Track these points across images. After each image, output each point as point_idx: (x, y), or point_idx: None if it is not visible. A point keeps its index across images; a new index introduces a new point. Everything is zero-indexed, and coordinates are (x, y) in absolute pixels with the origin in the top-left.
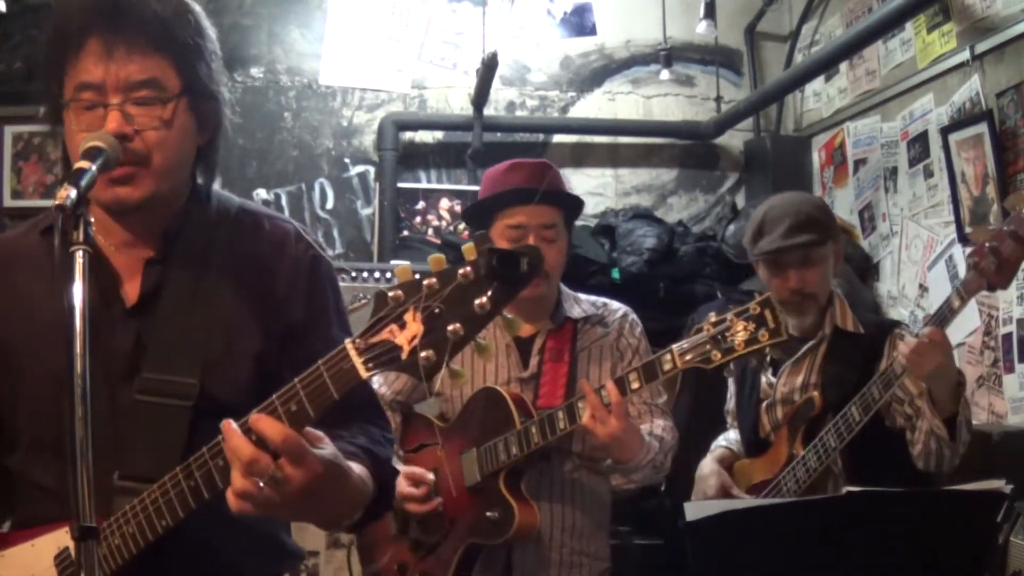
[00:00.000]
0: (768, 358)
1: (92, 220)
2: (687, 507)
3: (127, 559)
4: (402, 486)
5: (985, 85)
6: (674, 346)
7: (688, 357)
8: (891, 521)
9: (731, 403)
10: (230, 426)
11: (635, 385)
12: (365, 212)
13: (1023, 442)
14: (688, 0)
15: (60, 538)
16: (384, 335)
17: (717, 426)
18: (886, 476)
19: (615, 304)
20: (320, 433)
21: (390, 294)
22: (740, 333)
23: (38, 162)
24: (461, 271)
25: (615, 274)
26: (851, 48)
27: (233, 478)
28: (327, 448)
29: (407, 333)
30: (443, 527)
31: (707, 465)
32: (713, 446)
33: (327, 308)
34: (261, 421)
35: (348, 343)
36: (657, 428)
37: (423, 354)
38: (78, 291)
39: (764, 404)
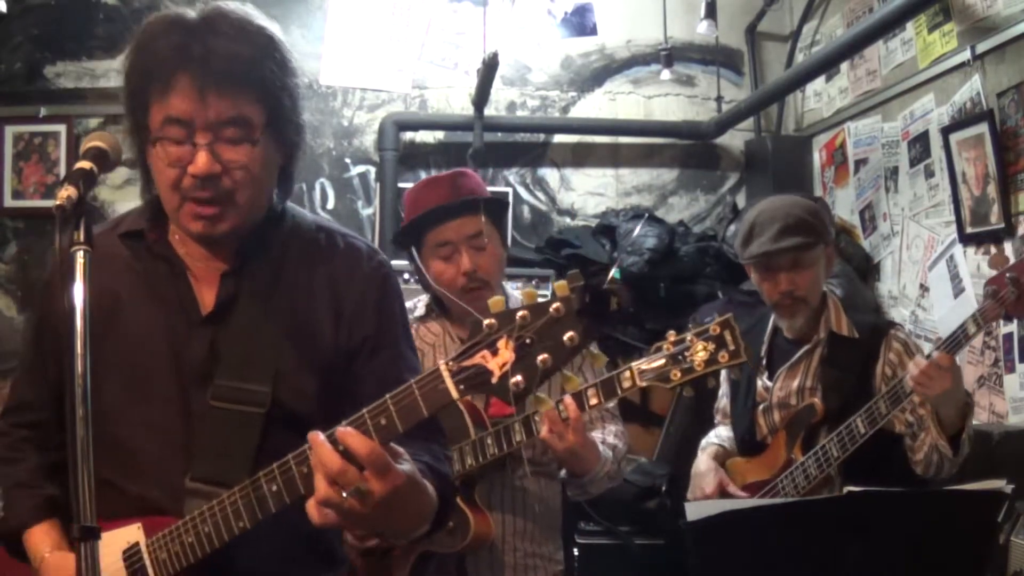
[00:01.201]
0: (764, 361)
1: (173, 231)
2: (687, 507)
3: (199, 557)
4: None
5: (986, 85)
6: (633, 363)
7: (647, 375)
8: (891, 521)
9: (723, 402)
10: (318, 437)
11: (593, 401)
12: (366, 212)
13: (1023, 442)
14: (689, 0)
15: (128, 534)
16: (477, 359)
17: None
18: (882, 482)
19: None
20: (401, 449)
21: (485, 322)
22: (700, 353)
23: (39, 162)
24: (553, 307)
25: (616, 274)
26: (852, 48)
27: (318, 488)
28: (407, 464)
29: (499, 360)
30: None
31: (703, 462)
32: (704, 443)
33: (396, 325)
34: (349, 435)
35: (442, 364)
36: (610, 436)
37: (513, 379)
38: (78, 291)
39: (760, 407)
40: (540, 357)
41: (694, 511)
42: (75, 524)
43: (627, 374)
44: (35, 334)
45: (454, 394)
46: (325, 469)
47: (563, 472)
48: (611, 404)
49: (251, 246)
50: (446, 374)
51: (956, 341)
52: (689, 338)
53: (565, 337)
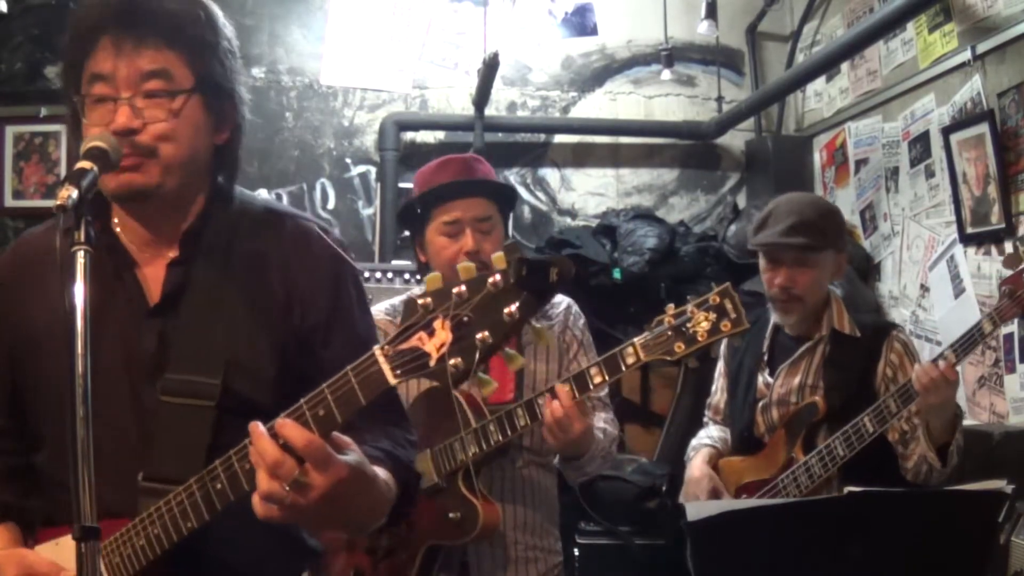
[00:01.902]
0: (765, 357)
1: (116, 220)
2: (687, 507)
3: (151, 560)
4: None
5: (986, 85)
6: (636, 339)
7: (651, 349)
8: (891, 521)
9: (716, 398)
10: (257, 428)
11: (597, 379)
12: (366, 212)
13: (1023, 442)
14: (689, 0)
15: None
16: (413, 342)
17: None
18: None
19: (558, 298)
20: (348, 439)
21: (420, 301)
22: (702, 324)
23: (39, 162)
24: (491, 280)
25: (616, 274)
26: (852, 48)
27: (259, 480)
28: (353, 454)
29: (436, 341)
30: (399, 531)
31: (697, 467)
32: (695, 443)
33: (351, 307)
34: (286, 426)
35: (377, 350)
36: (600, 421)
37: (451, 361)
38: (79, 291)
39: (760, 404)
40: (479, 335)
41: (694, 511)
42: (75, 524)
43: (630, 350)
44: None
45: (391, 379)
46: (263, 461)
47: (557, 459)
48: (603, 393)
49: (196, 231)
50: (382, 359)
51: (972, 340)
52: (690, 309)
53: (504, 312)
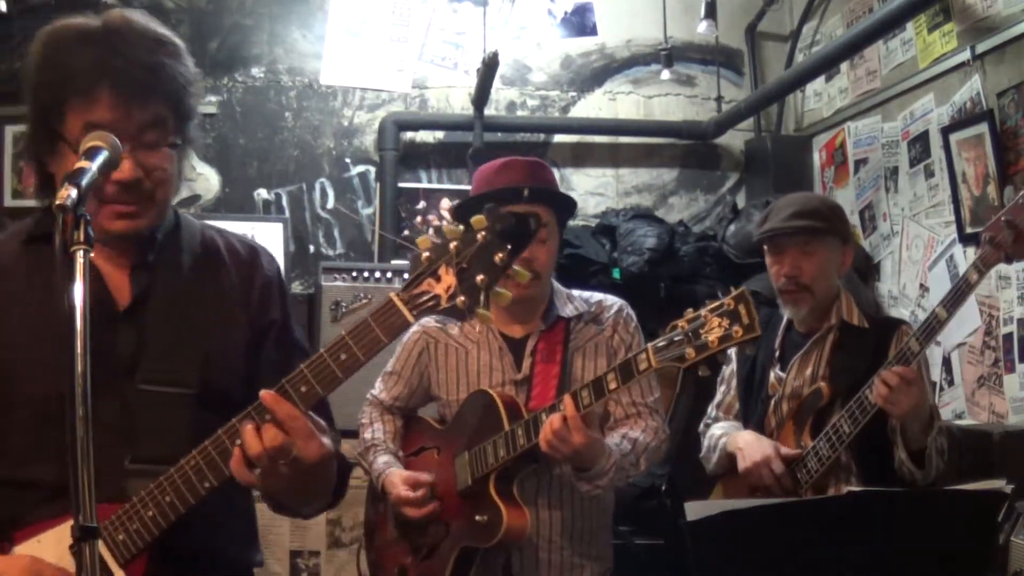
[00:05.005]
0: (777, 353)
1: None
2: (687, 507)
3: (163, 529)
4: (400, 489)
5: (986, 85)
6: (649, 344)
7: (663, 355)
8: (891, 521)
9: (728, 398)
10: (271, 395)
11: (612, 386)
12: (366, 212)
13: (1023, 442)
14: (689, 0)
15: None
16: (424, 287)
17: None
18: (893, 469)
19: (610, 300)
20: (323, 423)
21: (423, 255)
22: (715, 330)
23: None
24: (479, 234)
25: (616, 274)
26: (852, 48)
27: (249, 443)
28: (327, 436)
29: (443, 285)
30: (440, 530)
31: (747, 434)
32: (718, 431)
33: (291, 315)
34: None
35: (393, 296)
36: (636, 430)
37: (459, 299)
38: (79, 291)
39: (773, 400)
40: (478, 277)
41: (694, 511)
42: (75, 524)
43: (643, 356)
44: None
45: (409, 318)
46: (287, 424)
47: (567, 468)
48: (652, 399)
49: (149, 242)
50: (399, 303)
51: (959, 292)
52: (704, 314)
53: (496, 258)
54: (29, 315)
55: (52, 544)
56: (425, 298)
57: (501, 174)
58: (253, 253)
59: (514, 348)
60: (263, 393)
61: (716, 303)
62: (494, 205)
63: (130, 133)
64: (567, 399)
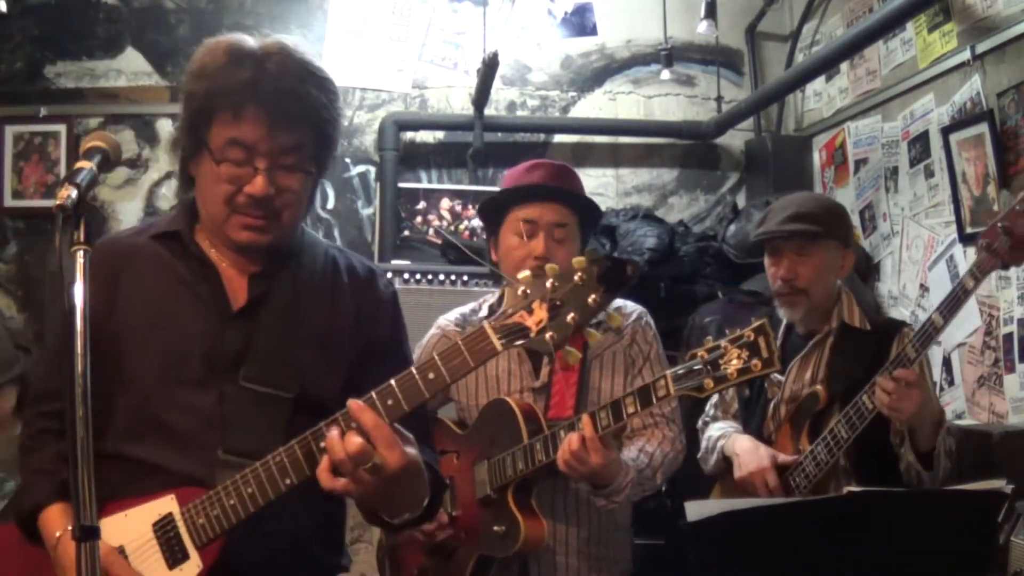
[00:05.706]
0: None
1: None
2: (687, 507)
3: (241, 519)
4: None
5: (986, 85)
6: (668, 371)
7: (682, 384)
8: (891, 521)
9: (720, 397)
10: (358, 404)
11: (631, 409)
12: (366, 212)
13: (1023, 442)
14: (689, 0)
15: (159, 507)
16: (516, 319)
17: None
18: (892, 473)
19: (630, 307)
20: (409, 435)
21: (519, 289)
22: (734, 361)
23: (39, 162)
24: (576, 276)
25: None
26: (852, 48)
27: (335, 452)
28: (413, 449)
29: (534, 318)
30: (458, 535)
31: (745, 439)
32: (716, 432)
33: (404, 335)
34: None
35: (486, 324)
36: (652, 443)
37: (549, 334)
38: (79, 291)
39: (772, 403)
40: (569, 316)
41: (694, 511)
42: (75, 524)
43: (662, 382)
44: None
45: (498, 347)
46: (371, 432)
47: (583, 484)
48: (668, 409)
49: (274, 252)
50: (490, 331)
51: (956, 299)
52: (724, 344)
53: (589, 299)
54: (150, 304)
55: (136, 520)
56: (515, 329)
57: (528, 174)
58: (371, 274)
59: (532, 355)
60: (350, 402)
61: (736, 334)
62: (594, 249)
63: (271, 152)
64: (586, 419)
